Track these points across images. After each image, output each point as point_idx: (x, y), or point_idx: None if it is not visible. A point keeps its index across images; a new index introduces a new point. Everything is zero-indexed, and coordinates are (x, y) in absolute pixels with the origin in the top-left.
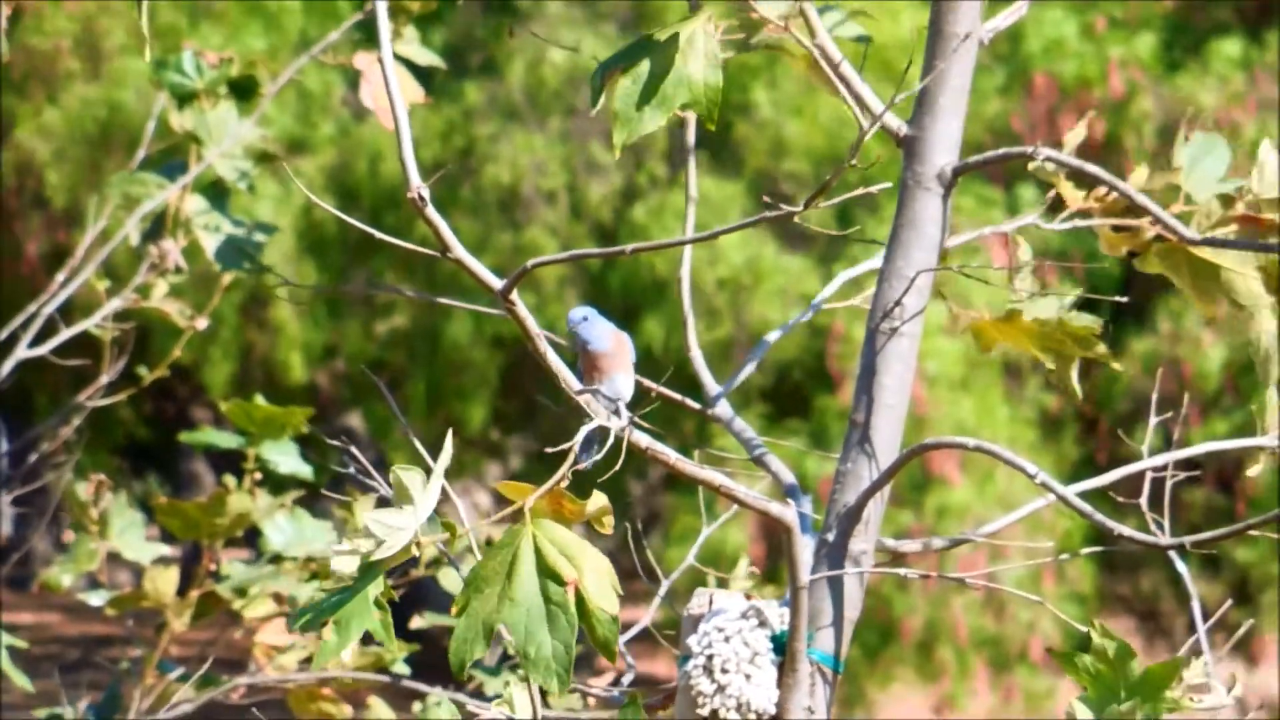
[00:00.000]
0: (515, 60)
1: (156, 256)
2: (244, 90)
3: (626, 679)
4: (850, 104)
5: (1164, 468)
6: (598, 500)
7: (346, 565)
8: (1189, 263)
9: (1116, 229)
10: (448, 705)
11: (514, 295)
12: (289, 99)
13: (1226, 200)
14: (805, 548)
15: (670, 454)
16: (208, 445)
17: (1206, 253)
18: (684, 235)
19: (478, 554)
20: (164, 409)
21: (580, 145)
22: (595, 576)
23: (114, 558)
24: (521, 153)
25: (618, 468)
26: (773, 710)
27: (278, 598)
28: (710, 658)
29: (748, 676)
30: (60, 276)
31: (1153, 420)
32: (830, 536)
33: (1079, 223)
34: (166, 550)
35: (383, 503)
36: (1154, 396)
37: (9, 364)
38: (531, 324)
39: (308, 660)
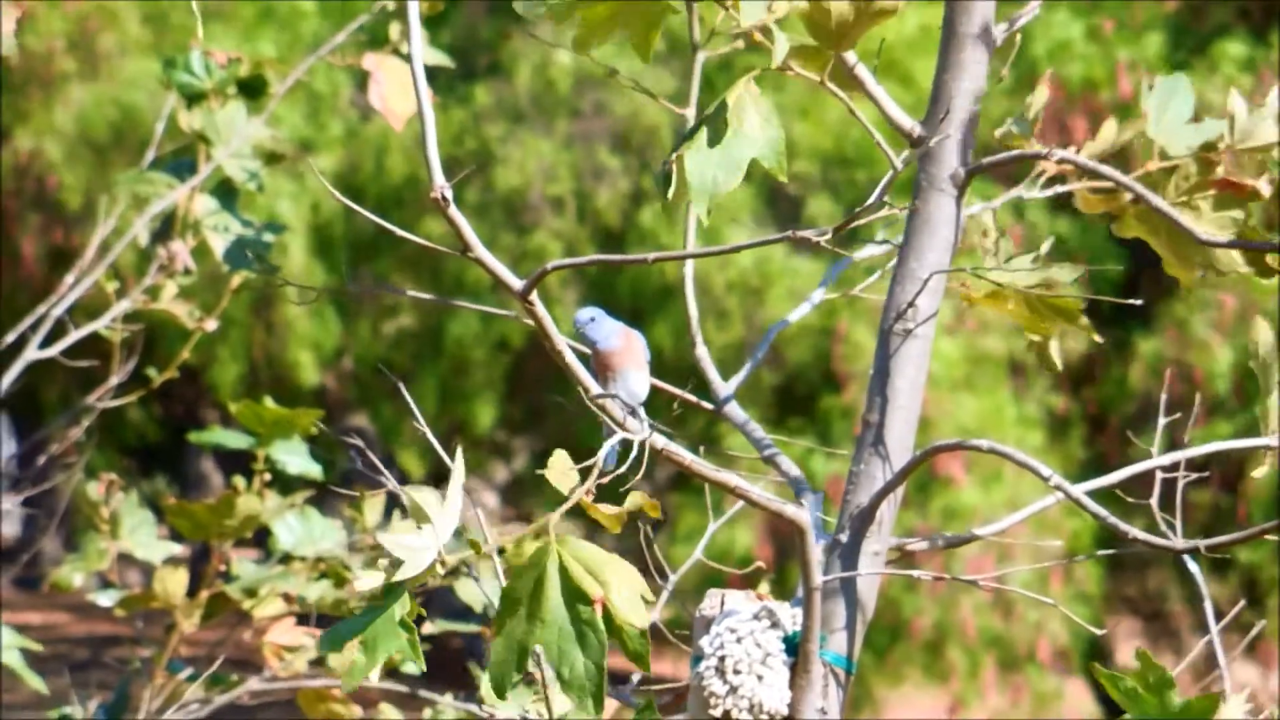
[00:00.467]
0: (521, 63)
1: (165, 258)
2: (253, 90)
3: (635, 677)
4: (874, 107)
5: (1173, 468)
6: (636, 498)
7: (370, 585)
8: (1167, 228)
9: (1095, 191)
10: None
11: (533, 296)
12: (297, 99)
13: (1204, 164)
14: (818, 549)
15: (685, 455)
16: (217, 445)
17: (1185, 214)
18: (686, 236)
19: (498, 569)
20: (172, 409)
21: (587, 150)
22: (623, 591)
23: (123, 557)
24: (530, 157)
25: (639, 475)
26: (785, 711)
27: (287, 597)
28: (722, 659)
29: (760, 677)
30: (70, 278)
31: (1161, 421)
32: (843, 537)
33: (1059, 188)
34: (178, 549)
35: (391, 501)
36: (1163, 396)
37: (18, 365)
38: (550, 325)
39: (317, 661)
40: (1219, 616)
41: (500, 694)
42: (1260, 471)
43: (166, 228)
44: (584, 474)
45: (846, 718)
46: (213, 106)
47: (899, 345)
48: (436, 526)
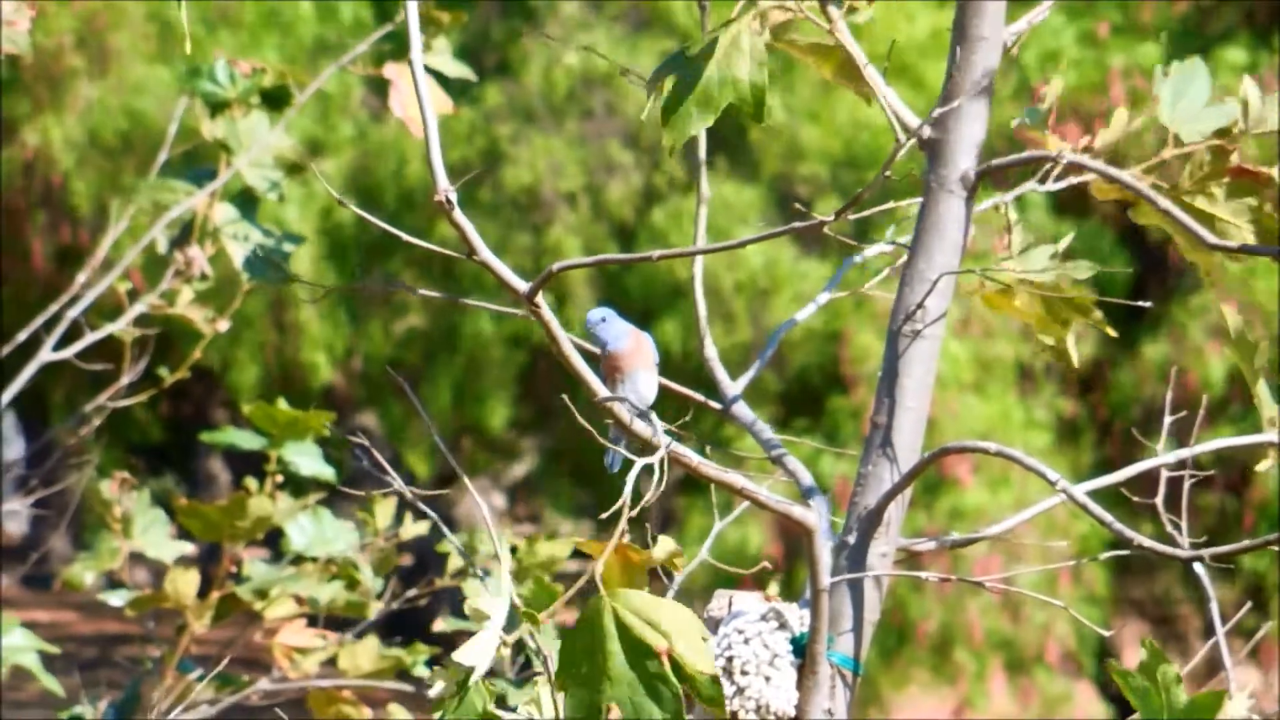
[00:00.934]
0: (531, 63)
1: (183, 263)
2: (276, 100)
3: None
4: (883, 100)
5: (1178, 467)
6: (666, 545)
7: (438, 690)
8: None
9: (1109, 179)
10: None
11: (539, 298)
12: (308, 102)
13: (1218, 151)
14: (827, 550)
15: (693, 457)
16: (230, 445)
17: (1200, 201)
18: (696, 235)
19: (504, 578)
20: (181, 409)
21: (598, 147)
22: (684, 638)
23: (132, 556)
24: (540, 154)
25: (661, 487)
26: (792, 712)
27: (298, 599)
28: (730, 659)
29: (767, 678)
30: (81, 278)
31: (1167, 419)
32: (851, 539)
33: (1073, 180)
34: (190, 549)
35: (400, 503)
36: (1168, 395)
37: (32, 366)
38: (556, 327)
39: (328, 662)
40: (1224, 621)
41: None
42: (1264, 466)
43: (185, 233)
44: (615, 515)
45: (853, 719)
46: (235, 116)
47: (907, 346)
48: (494, 622)
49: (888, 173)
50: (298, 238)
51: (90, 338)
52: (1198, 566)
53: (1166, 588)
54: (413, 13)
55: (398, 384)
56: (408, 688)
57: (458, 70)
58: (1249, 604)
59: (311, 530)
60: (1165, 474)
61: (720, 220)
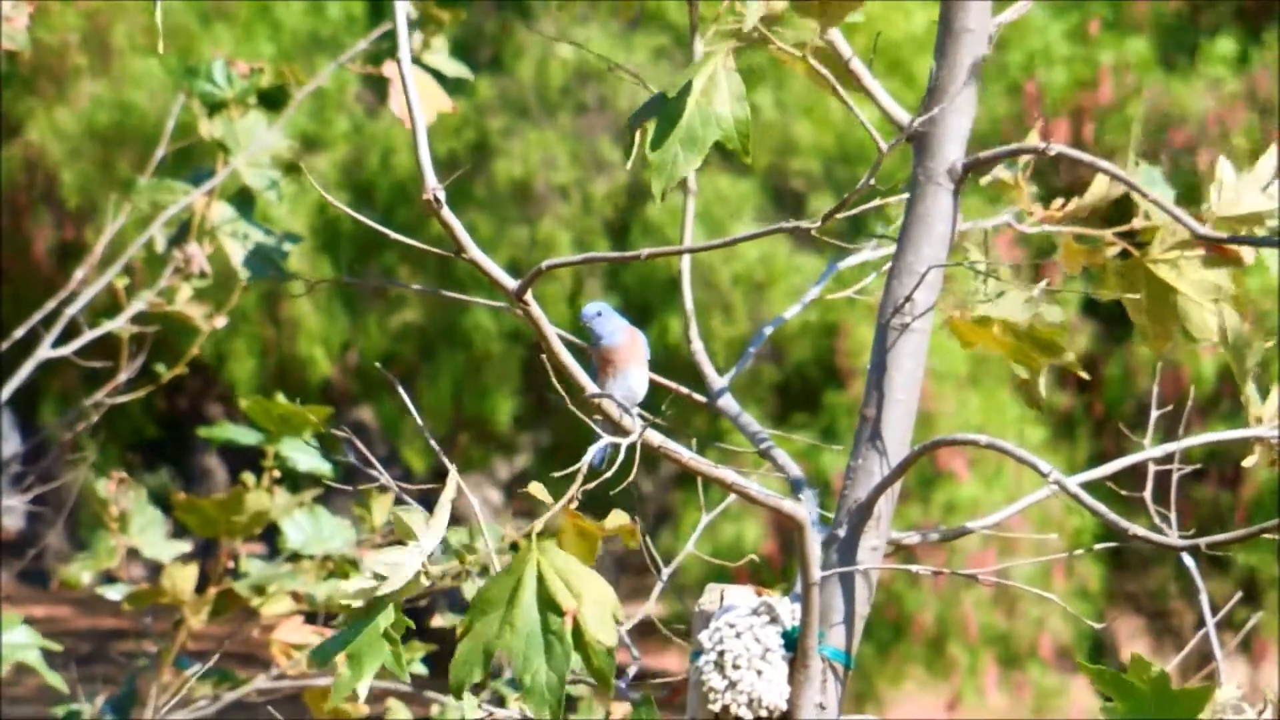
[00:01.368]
0: (524, 57)
1: (182, 261)
2: (274, 101)
3: (631, 670)
4: (849, 104)
5: (1167, 460)
6: (618, 518)
7: (354, 595)
8: (1147, 283)
9: (1079, 239)
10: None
11: (528, 296)
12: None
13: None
14: (817, 544)
15: (683, 452)
16: (227, 441)
17: (1166, 273)
18: (684, 230)
19: (497, 566)
20: (177, 404)
21: (589, 141)
22: (595, 606)
23: (130, 551)
24: (533, 148)
25: (630, 474)
26: (784, 706)
27: (295, 596)
28: (722, 653)
29: (759, 672)
30: (79, 274)
31: (1154, 413)
32: (841, 532)
33: (1048, 228)
34: (187, 548)
35: (399, 502)
36: (1154, 388)
37: (31, 363)
38: (546, 325)
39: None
40: (1216, 613)
41: (458, 694)
42: (1250, 461)
43: (183, 232)
44: (571, 479)
45: (846, 713)
46: (233, 116)
47: (896, 339)
48: (421, 544)
49: (873, 181)
50: (296, 237)
51: (89, 335)
52: (1187, 558)
53: (1162, 583)
54: (400, 12)
55: (389, 381)
56: (405, 686)
57: (456, 69)
58: (1239, 594)
59: (309, 528)
60: (1153, 467)
61: (715, 213)
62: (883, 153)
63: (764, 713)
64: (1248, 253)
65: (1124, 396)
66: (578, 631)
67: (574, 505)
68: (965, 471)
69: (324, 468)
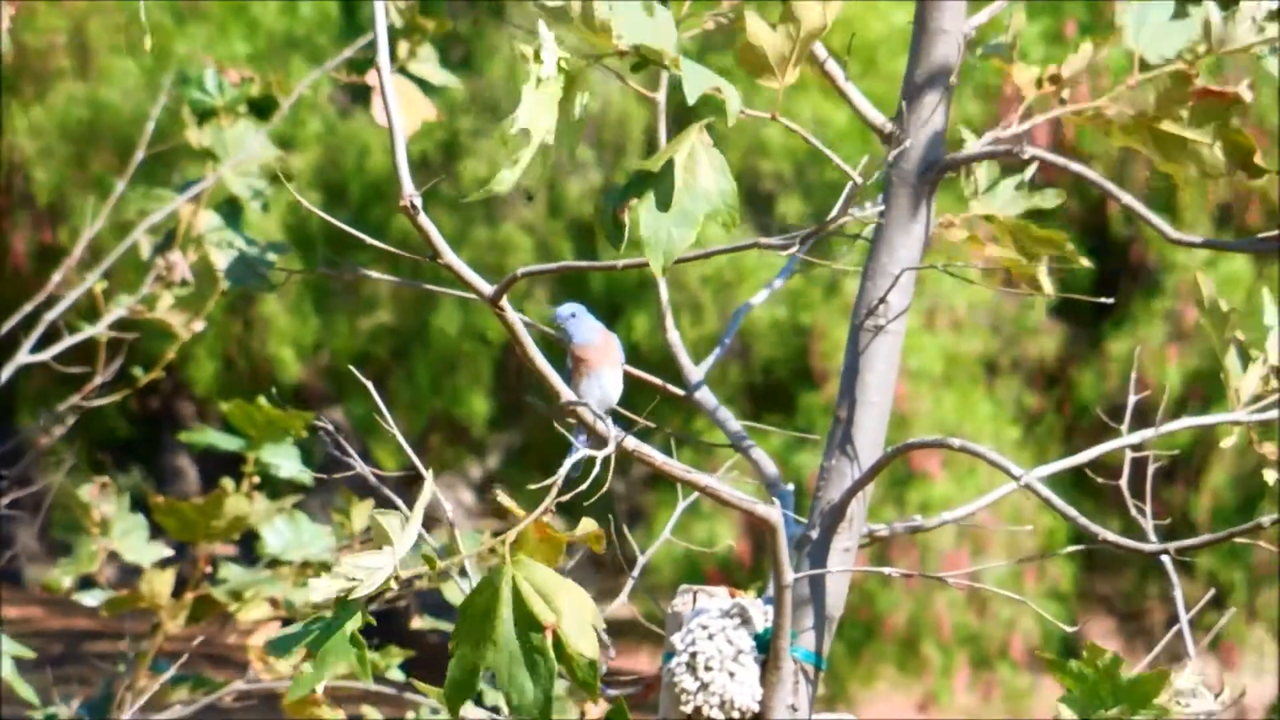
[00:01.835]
0: (495, 57)
1: (164, 268)
2: (263, 110)
3: (601, 668)
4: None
5: (1142, 448)
6: (586, 525)
7: (323, 597)
8: (1154, 136)
9: (1077, 114)
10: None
11: (504, 301)
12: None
13: (1180, 76)
14: (789, 546)
15: (657, 456)
16: (208, 446)
17: (1169, 125)
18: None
19: (471, 574)
20: (148, 404)
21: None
22: (574, 618)
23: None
24: (500, 149)
25: (605, 483)
26: (756, 708)
27: (273, 601)
28: (694, 655)
29: (731, 674)
30: (56, 277)
31: (1131, 398)
32: (814, 534)
33: (1063, 161)
34: (168, 551)
35: (378, 499)
36: (1133, 375)
37: (10, 367)
38: (521, 330)
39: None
40: (1190, 619)
41: (454, 714)
42: (1228, 442)
43: (169, 240)
44: (546, 490)
45: (817, 714)
46: (223, 124)
47: (869, 341)
48: (396, 548)
49: (859, 207)
50: (282, 246)
51: (68, 341)
52: (1167, 563)
53: (1134, 584)
54: (380, 14)
55: (362, 382)
56: (387, 689)
57: (442, 77)
58: (1213, 591)
59: (288, 533)
60: (1130, 454)
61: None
62: (858, 185)
63: (736, 714)
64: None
65: (1092, 398)
66: (559, 645)
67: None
68: (939, 471)
69: (305, 474)
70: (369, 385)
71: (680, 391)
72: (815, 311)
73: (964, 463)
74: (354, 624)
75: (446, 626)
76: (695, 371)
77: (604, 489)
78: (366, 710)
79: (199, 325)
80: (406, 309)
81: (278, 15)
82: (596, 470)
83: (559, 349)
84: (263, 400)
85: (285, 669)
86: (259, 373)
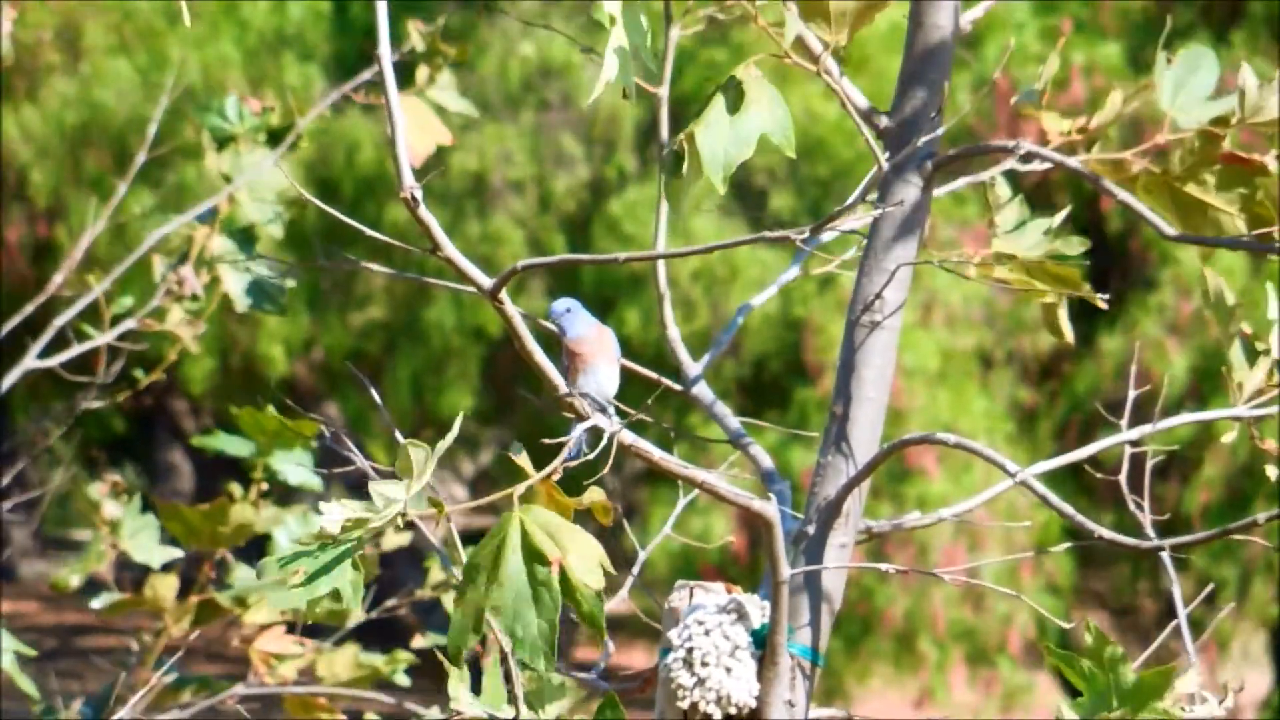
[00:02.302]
0: (486, 53)
1: (174, 282)
2: (282, 139)
3: (601, 662)
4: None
5: (1140, 444)
6: (593, 494)
7: (334, 523)
8: (1174, 198)
9: (1102, 162)
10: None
11: (502, 295)
12: (270, 96)
13: (1209, 137)
14: (785, 542)
15: (654, 451)
16: (219, 451)
17: (1192, 188)
18: (657, 231)
19: (458, 545)
20: (141, 400)
21: (550, 137)
22: (580, 556)
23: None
24: (490, 142)
25: (606, 468)
26: (753, 704)
27: None
28: (690, 651)
29: (728, 670)
30: (58, 279)
31: (1131, 393)
32: (810, 530)
33: (1058, 158)
34: (178, 553)
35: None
36: (1133, 369)
37: (16, 372)
38: (519, 323)
39: (306, 670)
40: (1180, 611)
41: (456, 660)
42: (1229, 437)
43: (181, 261)
44: (550, 457)
45: (813, 710)
46: (240, 150)
47: (865, 337)
48: (415, 478)
49: (866, 196)
50: (295, 272)
51: (76, 349)
52: (1166, 559)
53: (1124, 579)
54: (381, 14)
55: (358, 379)
56: (387, 698)
57: (460, 105)
58: (1211, 586)
59: (300, 535)
60: (1128, 450)
61: (676, 210)
62: (882, 168)
63: (732, 710)
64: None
65: (1086, 395)
66: (565, 579)
67: (555, 478)
68: (935, 468)
69: (313, 481)
70: (366, 383)
71: (678, 387)
72: (809, 306)
73: (959, 459)
74: (357, 550)
75: (439, 641)
76: (694, 367)
77: (605, 470)
78: (369, 718)
79: (200, 327)
80: (399, 305)
81: (268, 14)
82: (596, 453)
83: (557, 343)
84: (271, 409)
85: (289, 674)
86: (251, 370)
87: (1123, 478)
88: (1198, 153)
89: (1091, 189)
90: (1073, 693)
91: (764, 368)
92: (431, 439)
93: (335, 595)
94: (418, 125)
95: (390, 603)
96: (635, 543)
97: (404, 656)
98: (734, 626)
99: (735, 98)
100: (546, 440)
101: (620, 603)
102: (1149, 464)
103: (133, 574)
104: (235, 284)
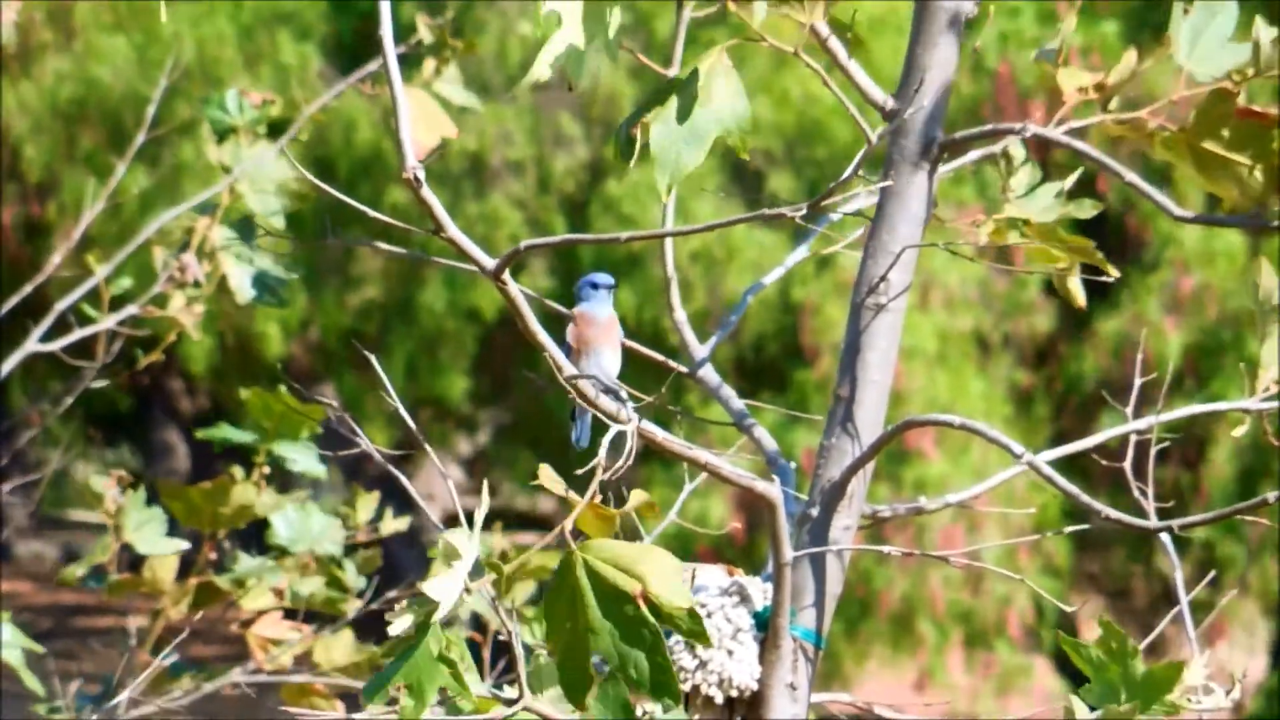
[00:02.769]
0: (484, 32)
1: (176, 269)
2: (283, 131)
3: None
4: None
5: (1146, 432)
6: (638, 497)
7: (403, 629)
8: (1194, 154)
9: (1119, 122)
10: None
11: (505, 275)
12: (265, 74)
13: (1222, 94)
14: (788, 524)
15: (658, 432)
16: (224, 440)
17: (1211, 144)
18: (666, 212)
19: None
20: (137, 379)
21: (549, 118)
22: (660, 578)
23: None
24: (489, 122)
25: (629, 461)
26: (755, 686)
27: (277, 591)
28: None
29: (730, 652)
30: (55, 259)
31: (1138, 380)
32: (814, 512)
33: (1075, 123)
34: (185, 545)
35: (372, 480)
36: (1139, 357)
37: (18, 355)
38: (523, 304)
39: (303, 656)
40: (1183, 598)
41: (580, 706)
42: (1240, 430)
43: (183, 248)
44: (585, 477)
45: (815, 692)
46: (241, 142)
47: (870, 319)
48: (464, 562)
49: (861, 171)
50: (296, 266)
51: (78, 334)
52: (1165, 538)
53: (1123, 563)
54: (385, 8)
55: (361, 356)
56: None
57: (465, 99)
58: (1213, 573)
59: (298, 523)
60: (1134, 438)
61: (676, 191)
62: (871, 144)
63: (734, 692)
64: None
65: (1084, 376)
66: (654, 607)
67: (596, 498)
68: (933, 450)
69: (318, 469)
70: (373, 360)
71: (685, 369)
72: (807, 288)
73: (957, 440)
74: (438, 643)
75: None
76: (700, 349)
77: (629, 461)
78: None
79: (199, 309)
80: (395, 286)
81: None
82: (611, 438)
83: (559, 324)
84: (283, 390)
85: (286, 660)
86: (247, 349)
87: (1128, 464)
88: (1212, 108)
89: (1091, 168)
90: (1072, 676)
91: (762, 349)
92: (428, 420)
93: (334, 585)
94: (423, 118)
95: (391, 594)
96: (641, 529)
97: None
98: (736, 609)
99: (693, 94)
100: (578, 470)
101: None
102: (1153, 450)
103: (130, 554)
104: (238, 276)
